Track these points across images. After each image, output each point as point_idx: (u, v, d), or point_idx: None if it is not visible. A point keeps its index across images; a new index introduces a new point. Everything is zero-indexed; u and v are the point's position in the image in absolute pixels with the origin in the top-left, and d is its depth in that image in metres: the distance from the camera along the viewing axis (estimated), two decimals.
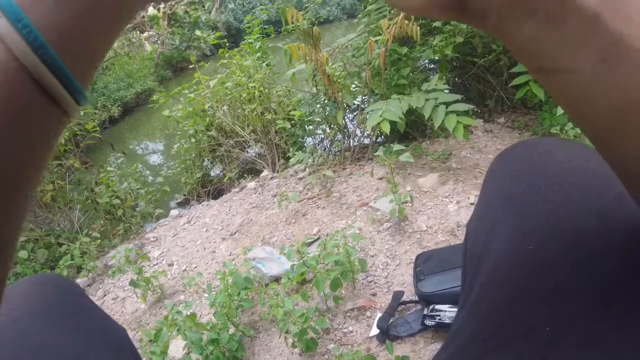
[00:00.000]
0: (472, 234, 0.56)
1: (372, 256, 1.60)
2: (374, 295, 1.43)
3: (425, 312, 1.23)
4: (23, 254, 2.21)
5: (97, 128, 2.99)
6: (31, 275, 0.75)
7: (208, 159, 3.50)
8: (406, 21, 2.03)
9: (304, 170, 2.47)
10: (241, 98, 3.10)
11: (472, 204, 1.74)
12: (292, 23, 2.13)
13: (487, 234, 0.51)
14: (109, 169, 3.08)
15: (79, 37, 0.22)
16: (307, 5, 2.63)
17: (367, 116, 1.99)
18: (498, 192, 0.53)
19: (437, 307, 1.22)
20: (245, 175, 2.99)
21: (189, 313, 1.44)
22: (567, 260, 0.40)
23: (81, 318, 0.62)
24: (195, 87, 3.21)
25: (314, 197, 2.14)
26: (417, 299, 1.31)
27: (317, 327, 1.23)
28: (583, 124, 0.26)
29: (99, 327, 0.64)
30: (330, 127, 2.63)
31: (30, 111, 0.21)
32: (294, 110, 2.82)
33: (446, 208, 1.75)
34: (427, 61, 2.69)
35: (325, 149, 2.83)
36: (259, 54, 3.10)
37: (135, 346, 0.73)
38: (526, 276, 0.42)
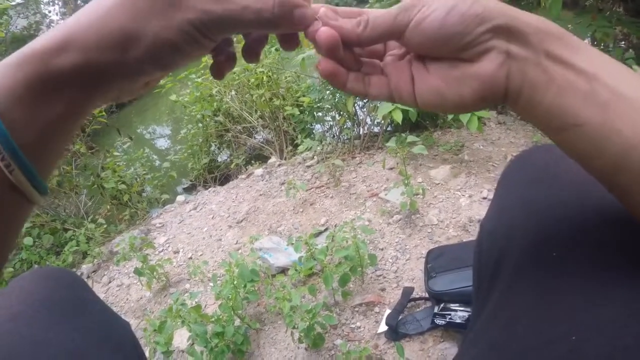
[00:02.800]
0: (488, 237, 0.54)
1: (382, 249, 1.56)
2: (382, 290, 1.39)
3: (435, 310, 1.20)
4: (28, 240, 2.20)
5: (104, 113, 2.95)
6: (34, 269, 0.74)
7: (215, 145, 3.46)
8: None
9: (312, 158, 2.43)
10: (249, 83, 3.04)
11: (484, 198, 1.69)
12: None
13: (505, 237, 0.49)
14: (115, 153, 3.05)
15: (46, 146, 0.30)
16: None
17: (379, 104, 1.94)
18: (516, 196, 0.52)
19: (448, 305, 1.19)
20: (253, 161, 2.96)
21: (194, 303, 1.42)
22: (592, 269, 0.39)
23: (83, 313, 0.60)
24: (202, 71, 3.15)
25: (322, 186, 2.10)
26: (427, 295, 1.28)
27: (324, 323, 1.20)
28: (594, 167, 0.32)
29: (101, 323, 0.62)
30: (339, 115, 2.57)
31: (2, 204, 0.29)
32: (303, 96, 2.77)
33: (458, 202, 1.71)
34: None
35: (334, 136, 2.78)
36: None
37: (138, 341, 0.71)
38: (551, 284, 0.40)
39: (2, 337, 0.51)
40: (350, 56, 0.38)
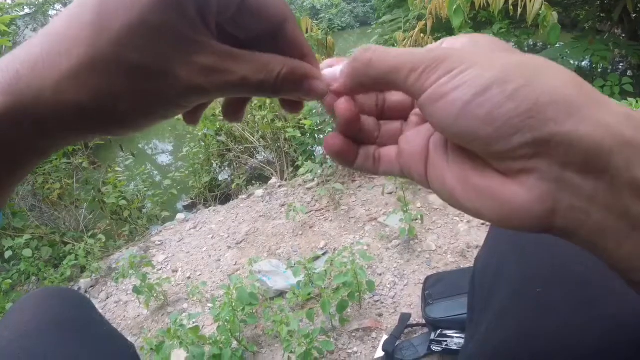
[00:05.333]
0: (480, 272, 0.57)
1: (380, 274, 1.57)
2: (380, 315, 1.40)
3: (432, 336, 1.21)
4: (27, 252, 2.20)
5: None
6: (41, 288, 0.76)
7: (217, 164, 3.49)
8: (422, 34, 2.02)
9: (313, 180, 2.45)
10: (252, 104, 3.09)
11: (482, 224, 1.71)
12: (307, 33, 2.12)
13: (494, 274, 0.52)
14: (117, 169, 3.08)
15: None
16: (321, 16, 2.63)
17: None
18: (507, 231, 0.53)
19: (445, 332, 1.20)
20: (254, 181, 2.98)
21: (192, 324, 1.43)
22: (571, 304, 0.41)
23: (90, 334, 0.62)
24: None
25: (322, 209, 2.12)
26: (424, 322, 1.29)
27: (321, 348, 1.21)
28: None
29: (107, 343, 0.63)
30: None
31: None
32: (305, 119, 2.81)
33: (456, 227, 1.73)
34: None
35: None
36: None
37: None
38: (532, 317, 0.43)
39: (15, 353, 0.52)
40: (367, 125, 0.31)
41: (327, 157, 2.81)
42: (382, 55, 0.25)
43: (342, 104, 0.28)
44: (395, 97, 0.32)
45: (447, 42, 0.27)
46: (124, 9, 0.22)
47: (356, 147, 0.30)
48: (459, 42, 0.26)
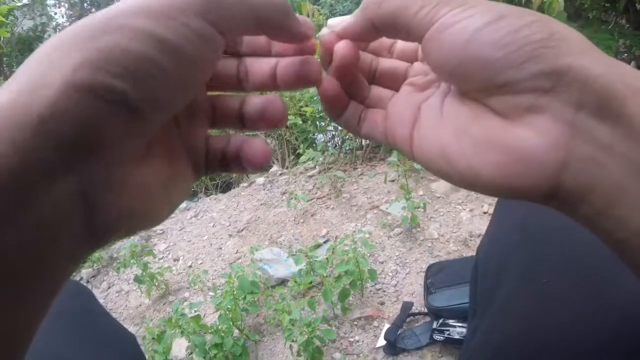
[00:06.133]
0: (483, 261, 0.55)
1: (382, 263, 1.56)
2: (382, 304, 1.39)
3: (434, 325, 1.20)
4: None
5: None
6: None
7: None
8: None
9: (314, 168, 2.43)
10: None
11: (485, 212, 1.70)
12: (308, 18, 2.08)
13: (498, 264, 0.50)
14: None
15: None
16: (322, 1, 2.59)
17: None
18: (511, 220, 0.52)
19: (447, 321, 1.19)
20: None
21: (193, 313, 1.43)
22: (578, 295, 0.39)
23: (90, 325, 0.61)
24: None
25: (324, 196, 2.11)
26: (426, 311, 1.28)
27: (323, 337, 1.21)
28: None
29: (107, 335, 0.63)
30: None
31: None
32: (306, 106, 2.78)
33: (459, 216, 1.71)
34: None
35: (336, 146, 2.79)
36: None
37: (144, 354, 0.71)
38: (538, 310, 0.41)
39: None
40: (360, 79, 0.30)
41: (328, 144, 2.80)
42: None
43: (343, 43, 0.26)
44: (388, 63, 0.30)
45: None
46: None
47: (347, 99, 0.29)
48: None
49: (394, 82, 0.30)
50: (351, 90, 0.29)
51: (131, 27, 0.18)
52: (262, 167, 0.27)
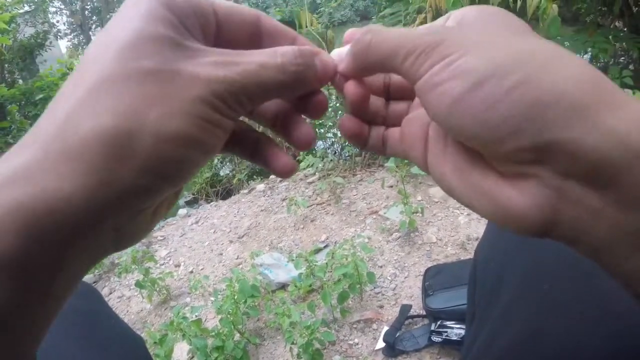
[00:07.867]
0: (482, 265, 0.54)
1: (381, 267, 1.58)
2: (381, 307, 1.41)
3: (432, 327, 1.22)
4: None
5: None
6: None
7: (218, 159, 3.49)
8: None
9: (314, 174, 2.46)
10: None
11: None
12: (307, 27, 2.12)
13: (500, 266, 0.49)
14: None
15: None
16: (321, 9, 2.63)
17: None
18: None
19: (445, 323, 1.21)
20: (255, 176, 2.99)
21: (194, 317, 1.44)
22: (579, 301, 0.39)
23: (98, 326, 0.60)
24: None
25: (323, 202, 2.13)
26: (424, 313, 1.30)
27: (323, 339, 1.22)
28: None
29: (115, 337, 0.62)
30: None
31: None
32: None
33: (457, 220, 1.73)
34: None
35: (335, 153, 2.82)
36: None
37: (151, 357, 0.71)
38: (540, 316, 0.41)
39: None
40: (377, 107, 0.30)
41: (328, 150, 2.82)
42: (380, 37, 0.23)
43: (351, 86, 0.26)
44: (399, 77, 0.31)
45: (454, 16, 0.25)
46: (122, 29, 0.22)
47: (368, 128, 0.29)
48: (466, 17, 0.24)
49: (409, 92, 0.29)
50: (369, 114, 0.30)
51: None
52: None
